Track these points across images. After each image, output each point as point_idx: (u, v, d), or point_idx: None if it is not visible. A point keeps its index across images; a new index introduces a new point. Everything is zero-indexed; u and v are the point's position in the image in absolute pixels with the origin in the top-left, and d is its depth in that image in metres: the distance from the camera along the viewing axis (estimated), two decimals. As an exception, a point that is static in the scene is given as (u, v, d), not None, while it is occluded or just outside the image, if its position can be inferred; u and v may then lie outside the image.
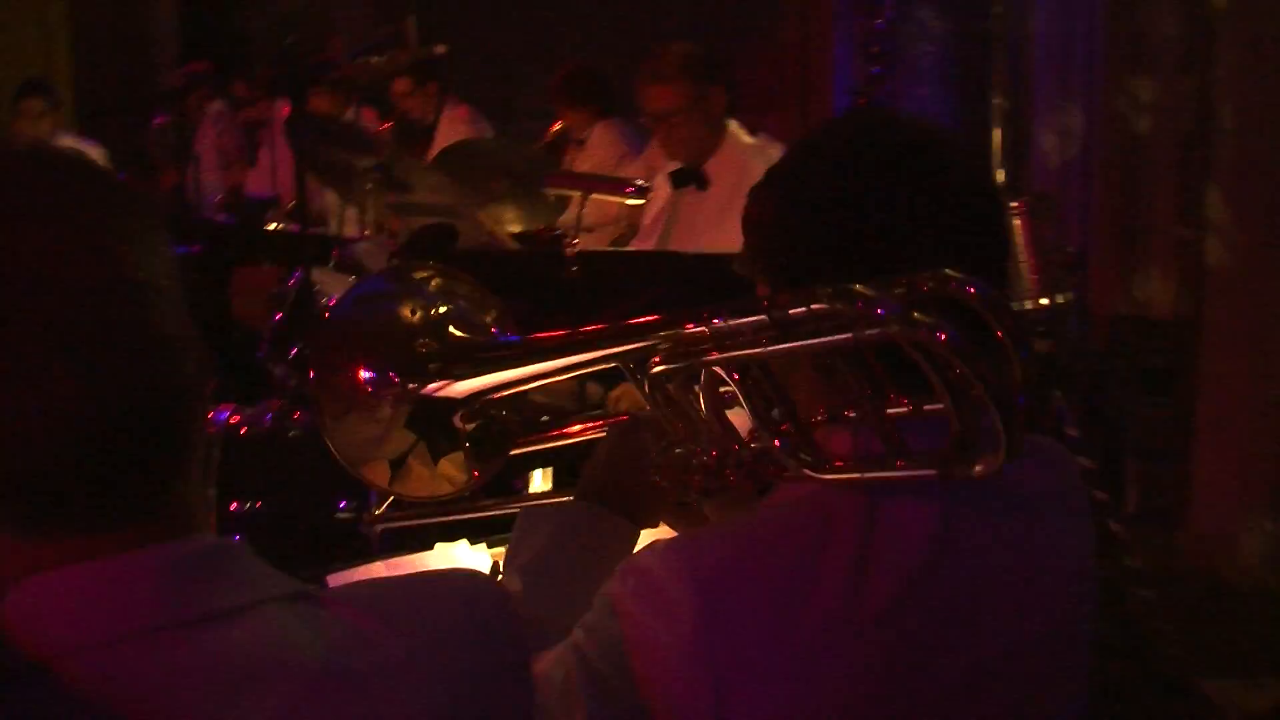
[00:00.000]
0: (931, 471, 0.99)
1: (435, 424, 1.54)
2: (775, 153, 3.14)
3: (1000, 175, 3.77)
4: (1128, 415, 3.81)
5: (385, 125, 5.33)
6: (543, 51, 7.74)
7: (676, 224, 3.19)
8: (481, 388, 1.53)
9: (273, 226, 4.79)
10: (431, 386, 1.51)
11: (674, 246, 3.13)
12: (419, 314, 1.56)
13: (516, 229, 3.72)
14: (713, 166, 3.11)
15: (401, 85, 5.16)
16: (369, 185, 3.01)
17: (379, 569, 1.67)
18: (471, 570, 1.04)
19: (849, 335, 0.99)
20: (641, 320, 1.29)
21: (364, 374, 1.53)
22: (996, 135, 3.97)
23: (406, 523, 1.85)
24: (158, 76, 7.33)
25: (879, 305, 0.96)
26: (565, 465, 1.79)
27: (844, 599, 1.02)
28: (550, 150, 5.26)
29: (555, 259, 2.51)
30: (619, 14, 7.89)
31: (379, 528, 1.92)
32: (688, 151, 3.09)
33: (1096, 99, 4.28)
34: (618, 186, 2.66)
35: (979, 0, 4.58)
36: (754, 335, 1.12)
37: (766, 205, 1.22)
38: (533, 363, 1.48)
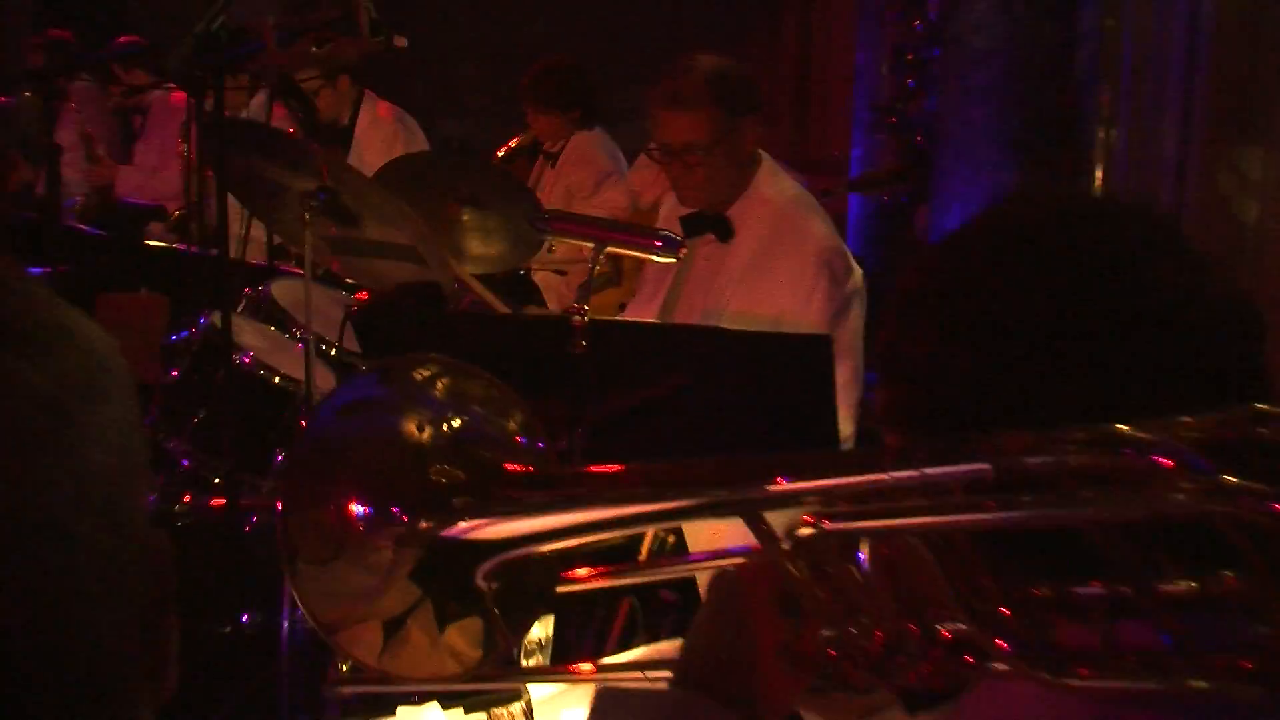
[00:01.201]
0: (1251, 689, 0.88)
1: (450, 579, 1.44)
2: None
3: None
4: None
5: (290, 129, 5.23)
6: (510, 44, 7.73)
7: (688, 282, 3.10)
8: (522, 534, 1.40)
9: (155, 243, 4.67)
10: (455, 528, 1.39)
11: (685, 310, 3.06)
12: (428, 430, 1.45)
13: (477, 272, 3.62)
14: (739, 213, 3.02)
15: (305, 77, 5.05)
16: (306, 214, 2.85)
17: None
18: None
19: (1134, 503, 0.87)
20: (789, 458, 1.16)
21: (356, 508, 1.42)
22: (1097, 176, 3.92)
23: (377, 688, 1.75)
24: (7, 46, 7.17)
25: (1175, 457, 0.85)
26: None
27: None
28: (508, 164, 5.18)
29: (558, 329, 2.40)
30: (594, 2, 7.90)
31: (344, 690, 1.80)
32: (709, 194, 3.00)
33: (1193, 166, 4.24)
34: (643, 239, 2.54)
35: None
36: (965, 492, 1.01)
37: (925, 330, 1.12)
38: (604, 505, 1.36)
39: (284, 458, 2.82)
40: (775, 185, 3.05)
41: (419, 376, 1.49)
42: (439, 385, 1.49)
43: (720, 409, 2.51)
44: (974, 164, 5.08)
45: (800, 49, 8.27)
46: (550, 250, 3.00)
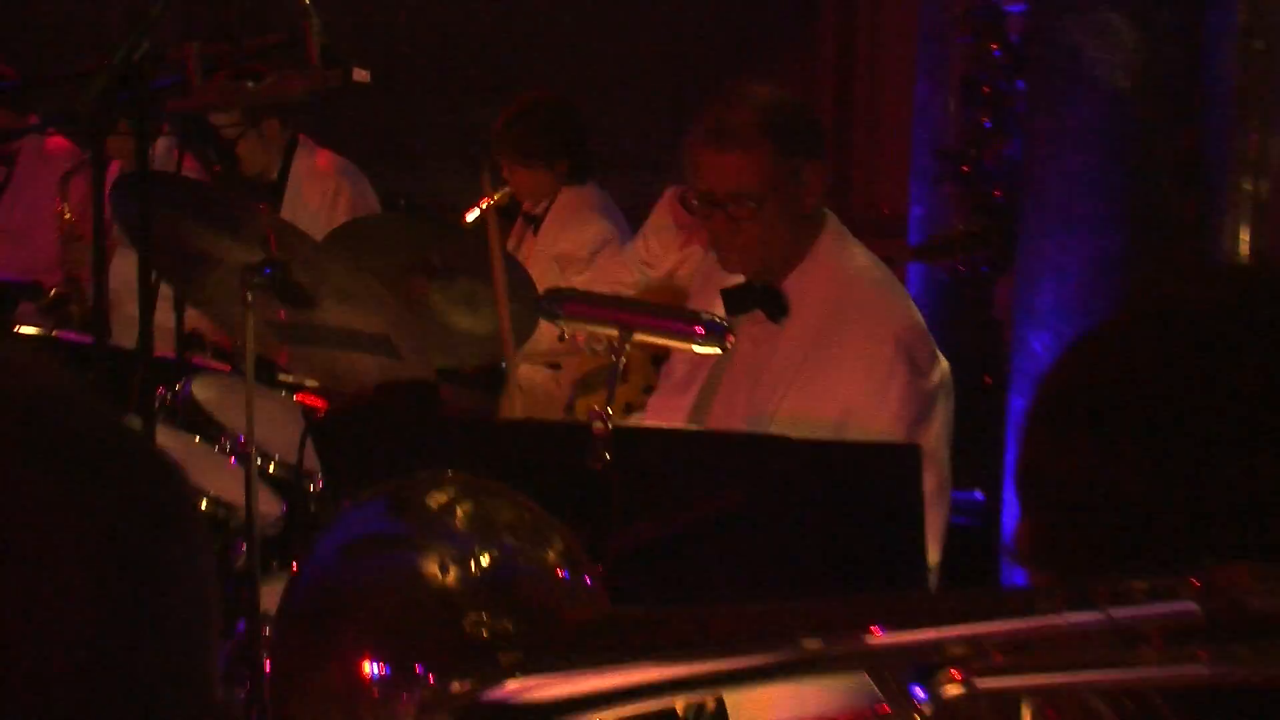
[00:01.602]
0: None
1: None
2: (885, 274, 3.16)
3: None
4: None
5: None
6: (478, 75, 7.86)
7: (729, 371, 3.16)
8: (580, 695, 1.45)
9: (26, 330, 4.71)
10: (501, 689, 1.43)
11: (724, 409, 3.11)
12: (452, 569, 1.50)
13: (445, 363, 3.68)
14: (796, 286, 3.08)
15: (224, 120, 5.14)
16: (248, 293, 2.92)
17: None
18: None
19: None
20: (915, 599, 1.22)
21: (370, 669, 1.46)
22: (1241, 237, 4.00)
23: None
24: None
25: None
26: None
27: None
28: (476, 229, 5.26)
29: (576, 439, 2.45)
30: (589, 20, 8.04)
31: None
32: (760, 258, 3.06)
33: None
34: (682, 325, 2.61)
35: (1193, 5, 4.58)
36: (1166, 640, 1.06)
37: (1081, 444, 1.17)
38: (668, 659, 1.41)
39: (276, 610, 2.84)
40: (842, 251, 3.11)
41: (435, 503, 1.54)
42: (459, 512, 1.54)
43: (780, 538, 2.54)
44: (1070, 224, 5.12)
45: (841, 80, 8.41)
46: (563, 339, 3.05)
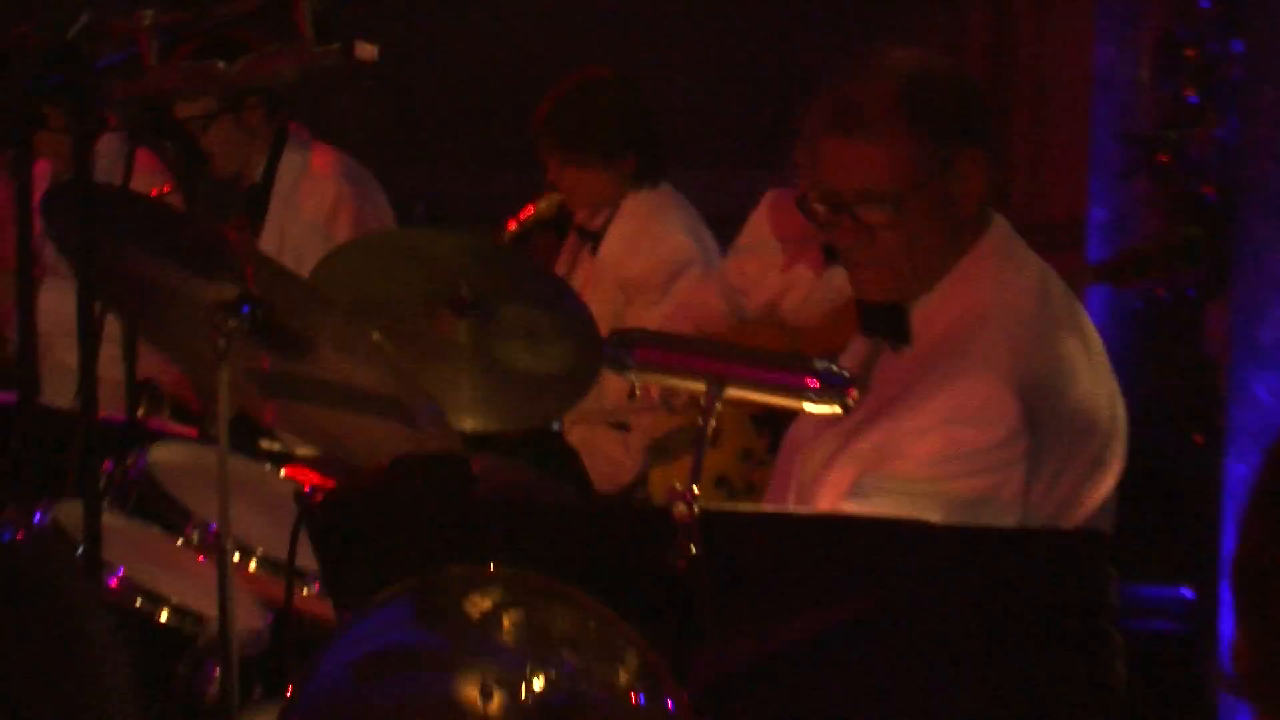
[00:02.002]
0: None
1: None
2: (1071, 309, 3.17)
3: None
4: None
5: (165, 187, 5.38)
6: (516, 54, 7.93)
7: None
8: None
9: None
10: None
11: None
12: (498, 695, 1.57)
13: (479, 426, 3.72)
14: (924, 312, 3.12)
15: (192, 111, 5.20)
16: (220, 339, 2.98)
17: None
18: None
19: None
20: None
21: None
22: None
23: None
24: None
25: None
26: None
27: None
28: (520, 242, 5.32)
29: (653, 527, 2.48)
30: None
31: None
32: (905, 275, 3.10)
33: None
34: (789, 375, 2.64)
35: None
36: None
37: None
38: None
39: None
40: (1000, 271, 3.15)
41: (475, 609, 1.59)
42: (506, 621, 1.59)
43: (922, 655, 2.57)
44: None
45: (996, 42, 8.42)
46: (634, 396, 3.10)
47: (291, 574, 2.98)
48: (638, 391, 3.24)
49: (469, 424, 3.69)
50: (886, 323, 3.17)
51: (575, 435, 4.98)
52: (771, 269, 4.97)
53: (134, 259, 3.17)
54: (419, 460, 2.82)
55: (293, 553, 2.85)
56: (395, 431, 3.12)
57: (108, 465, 3.67)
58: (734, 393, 2.67)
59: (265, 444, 4.17)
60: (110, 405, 4.20)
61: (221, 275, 3.03)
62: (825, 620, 2.59)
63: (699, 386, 2.66)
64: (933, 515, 2.83)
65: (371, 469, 2.92)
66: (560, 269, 5.30)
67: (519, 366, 3.67)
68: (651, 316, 4.97)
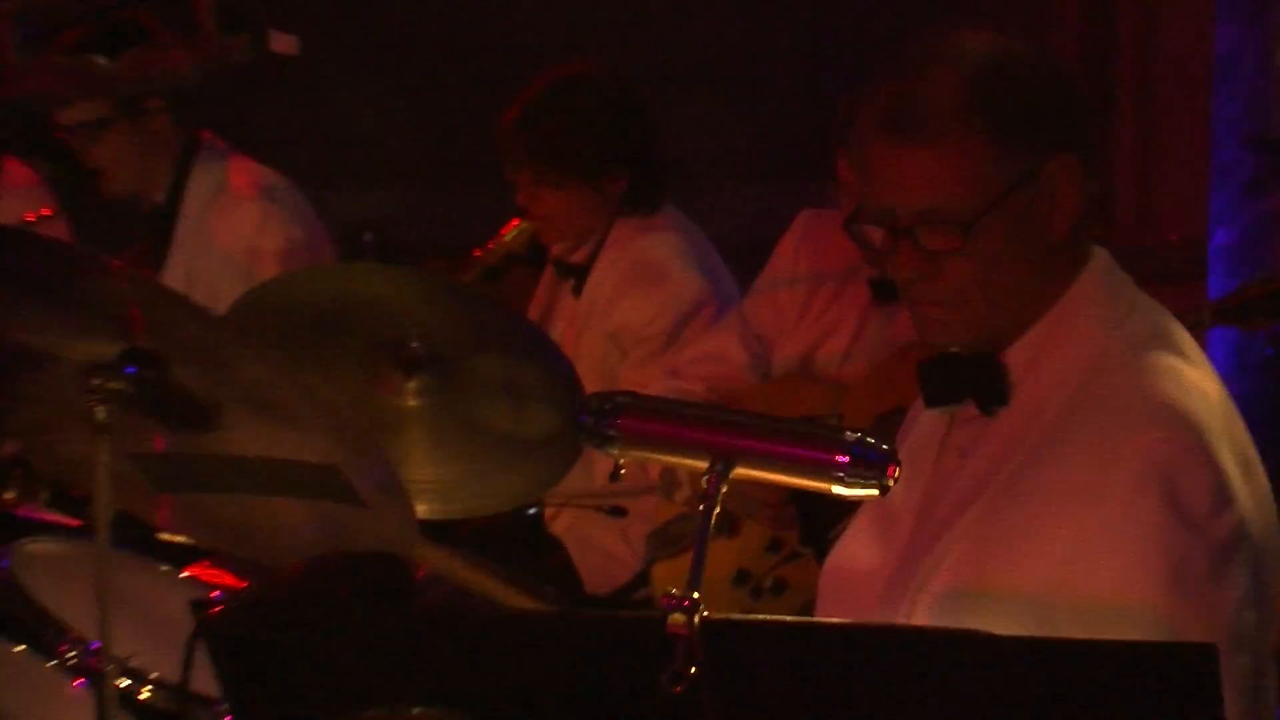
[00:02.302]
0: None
1: None
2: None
3: None
4: None
5: (45, 210, 5.38)
6: (495, 40, 7.95)
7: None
8: None
9: None
10: None
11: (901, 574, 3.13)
12: None
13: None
14: (1023, 360, 3.10)
15: (79, 117, 5.18)
16: (96, 408, 2.95)
17: None
18: None
19: None
20: None
21: None
22: None
23: None
24: None
25: None
26: None
27: None
28: (489, 280, 5.30)
29: (643, 640, 2.45)
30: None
31: None
32: (979, 316, 3.08)
33: None
34: (813, 450, 2.60)
35: None
36: None
37: None
38: None
39: None
40: (1108, 310, 3.13)
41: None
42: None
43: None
44: None
45: (1093, 23, 8.41)
46: (615, 477, 3.08)
47: (187, 703, 2.93)
48: (623, 472, 3.18)
49: (420, 509, 3.68)
50: (975, 381, 3.16)
51: (560, 523, 4.97)
52: (805, 310, 4.96)
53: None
54: (342, 561, 2.79)
55: (186, 676, 2.81)
56: (334, 516, 3.10)
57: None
58: (744, 472, 2.63)
59: (164, 536, 4.14)
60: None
61: (99, 324, 3.00)
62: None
63: (699, 464, 2.63)
64: None
65: (283, 572, 2.88)
66: (534, 314, 5.26)
67: (486, 434, 3.66)
68: (653, 374, 4.93)
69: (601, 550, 4.91)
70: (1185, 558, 2.94)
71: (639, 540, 4.88)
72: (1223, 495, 2.99)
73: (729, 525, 4.81)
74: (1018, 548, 2.99)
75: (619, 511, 4.83)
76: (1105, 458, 2.97)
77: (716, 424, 2.75)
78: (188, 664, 2.77)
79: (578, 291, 5.25)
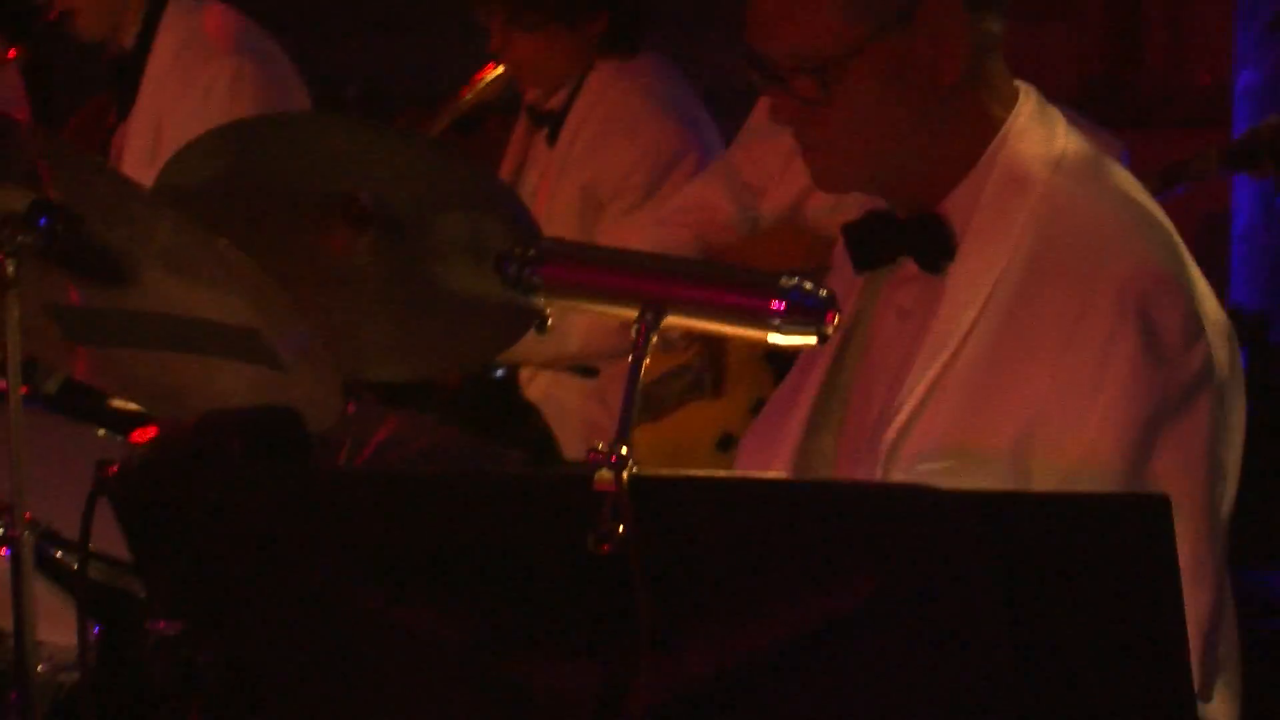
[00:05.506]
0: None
1: None
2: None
3: None
4: None
5: (10, 52, 5.41)
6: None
7: (863, 362, 3.30)
8: None
9: None
10: None
11: (858, 420, 3.25)
12: None
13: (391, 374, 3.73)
14: (961, 210, 3.17)
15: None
16: (10, 263, 2.95)
17: None
18: None
19: None
20: None
21: None
22: None
23: None
24: None
25: None
26: None
27: None
28: (460, 132, 5.30)
29: (570, 499, 2.52)
30: None
31: None
32: (858, 164, 3.18)
33: None
34: (743, 296, 2.61)
35: None
36: None
37: None
38: None
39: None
40: (1044, 150, 3.15)
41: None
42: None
43: (930, 662, 2.54)
44: None
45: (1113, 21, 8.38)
46: (542, 329, 3.07)
47: (85, 562, 2.90)
48: (551, 323, 3.17)
49: (380, 372, 3.67)
50: (913, 238, 3.18)
51: (536, 388, 4.97)
52: (794, 159, 4.93)
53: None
54: (234, 416, 2.77)
55: (85, 535, 2.78)
56: (268, 380, 3.10)
57: None
58: (675, 321, 2.63)
59: (118, 404, 4.13)
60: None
61: (8, 175, 2.99)
62: (805, 619, 2.55)
63: (629, 313, 2.62)
64: None
65: (176, 428, 2.87)
66: (507, 167, 5.26)
67: (444, 293, 3.66)
68: (632, 229, 4.93)
69: (579, 415, 4.93)
70: (1159, 403, 2.96)
71: (616, 404, 4.89)
72: (1194, 325, 3.00)
73: (714, 386, 4.81)
74: (994, 403, 3.02)
75: (590, 372, 4.84)
76: (1082, 293, 2.99)
77: (645, 270, 2.75)
78: (86, 521, 2.75)
79: (552, 140, 5.25)
